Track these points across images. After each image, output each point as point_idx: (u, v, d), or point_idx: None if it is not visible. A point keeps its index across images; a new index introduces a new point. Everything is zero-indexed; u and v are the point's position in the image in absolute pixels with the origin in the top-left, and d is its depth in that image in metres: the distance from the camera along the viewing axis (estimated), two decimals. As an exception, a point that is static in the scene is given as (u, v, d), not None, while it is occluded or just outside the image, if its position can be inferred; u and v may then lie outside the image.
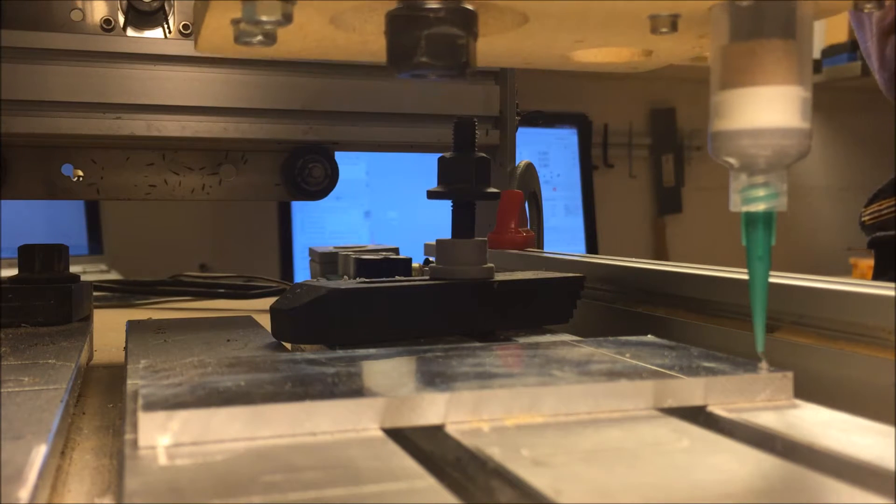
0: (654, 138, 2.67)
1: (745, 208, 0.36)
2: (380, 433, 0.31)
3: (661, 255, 2.62)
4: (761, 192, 0.36)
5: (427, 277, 0.53)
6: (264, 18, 0.37)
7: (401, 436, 0.31)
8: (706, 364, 0.37)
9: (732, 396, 0.35)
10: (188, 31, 0.84)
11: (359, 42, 0.46)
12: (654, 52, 0.50)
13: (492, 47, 0.48)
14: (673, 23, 0.41)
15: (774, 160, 0.36)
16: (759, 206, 0.36)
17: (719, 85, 0.37)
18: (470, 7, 0.39)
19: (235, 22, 0.39)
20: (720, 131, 0.37)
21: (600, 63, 0.52)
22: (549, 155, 2.44)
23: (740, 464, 0.28)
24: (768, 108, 0.35)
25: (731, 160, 0.37)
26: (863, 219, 0.95)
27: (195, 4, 0.44)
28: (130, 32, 0.83)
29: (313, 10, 0.40)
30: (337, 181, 0.94)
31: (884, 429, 0.31)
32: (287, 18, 0.37)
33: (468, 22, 0.39)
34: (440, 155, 0.53)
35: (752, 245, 0.37)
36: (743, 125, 0.36)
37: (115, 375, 0.54)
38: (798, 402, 0.35)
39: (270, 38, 0.39)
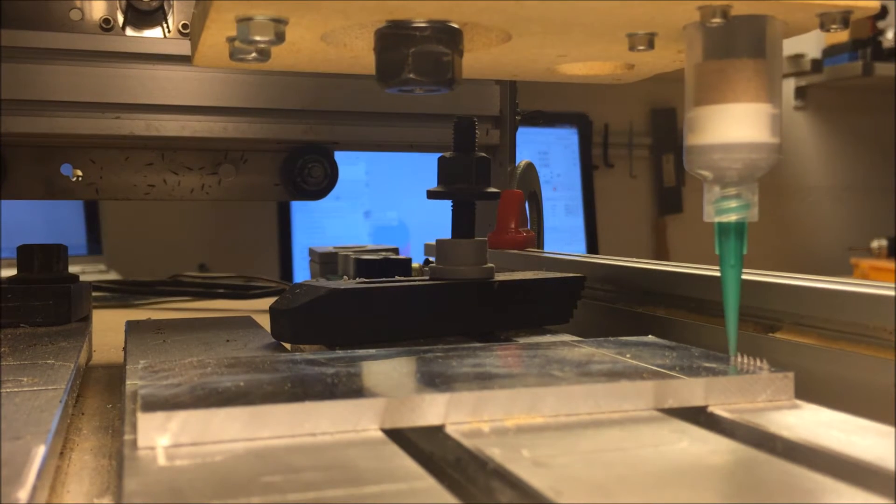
0: (654, 138, 2.66)
1: (717, 219, 0.38)
2: (380, 434, 0.31)
3: (661, 255, 2.62)
4: (733, 204, 0.38)
5: (427, 277, 0.53)
6: (258, 38, 0.38)
7: (401, 436, 0.31)
8: (707, 364, 0.37)
9: (733, 397, 0.35)
10: (187, 31, 0.84)
11: (349, 57, 0.46)
12: (635, 65, 0.51)
13: (478, 62, 0.49)
14: (650, 40, 0.43)
15: (745, 173, 0.38)
16: (731, 217, 0.38)
17: (693, 101, 0.39)
18: (455, 25, 0.40)
19: (231, 40, 0.40)
20: (694, 145, 0.39)
21: (584, 76, 0.53)
22: (549, 155, 2.44)
23: (741, 464, 0.28)
24: (739, 124, 0.38)
25: (705, 173, 0.38)
26: None
27: (192, 21, 0.45)
28: (129, 32, 0.83)
29: (305, 29, 0.41)
30: (337, 181, 0.94)
31: (884, 429, 0.31)
32: (280, 37, 0.38)
33: (453, 39, 0.40)
34: (440, 155, 0.53)
35: (724, 254, 0.38)
36: (715, 140, 0.38)
37: (114, 376, 0.54)
38: (799, 402, 0.35)
39: (264, 55, 0.40)
